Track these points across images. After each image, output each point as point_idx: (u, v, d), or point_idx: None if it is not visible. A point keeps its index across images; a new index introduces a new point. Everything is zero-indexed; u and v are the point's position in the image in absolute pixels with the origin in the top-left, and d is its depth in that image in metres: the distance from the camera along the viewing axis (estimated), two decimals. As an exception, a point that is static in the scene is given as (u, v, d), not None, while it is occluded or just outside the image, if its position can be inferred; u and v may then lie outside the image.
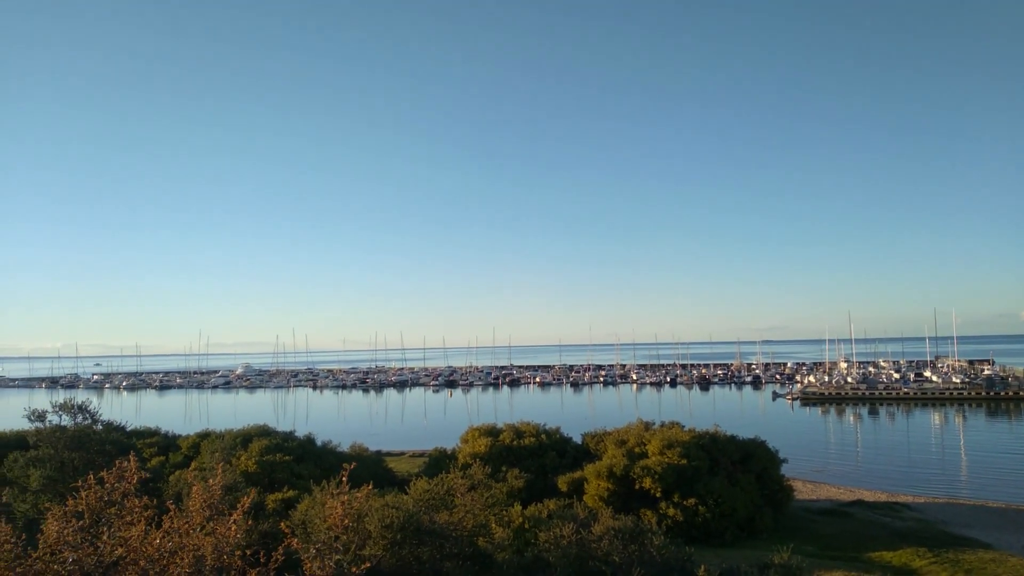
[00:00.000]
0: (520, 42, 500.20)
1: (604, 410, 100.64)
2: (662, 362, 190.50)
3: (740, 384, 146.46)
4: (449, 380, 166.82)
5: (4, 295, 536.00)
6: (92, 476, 6.70)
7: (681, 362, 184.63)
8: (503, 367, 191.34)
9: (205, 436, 42.57)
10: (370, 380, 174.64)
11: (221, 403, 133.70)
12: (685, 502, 28.63)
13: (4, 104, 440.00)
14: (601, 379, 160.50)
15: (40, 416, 24.19)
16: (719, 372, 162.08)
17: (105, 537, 5.24)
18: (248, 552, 5.90)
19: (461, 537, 10.91)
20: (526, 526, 17.97)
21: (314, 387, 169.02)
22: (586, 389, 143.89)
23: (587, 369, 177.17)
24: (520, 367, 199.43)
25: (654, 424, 36.39)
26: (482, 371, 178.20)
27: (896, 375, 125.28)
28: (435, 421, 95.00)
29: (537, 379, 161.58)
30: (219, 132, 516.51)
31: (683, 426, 34.98)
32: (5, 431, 48.98)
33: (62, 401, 24.77)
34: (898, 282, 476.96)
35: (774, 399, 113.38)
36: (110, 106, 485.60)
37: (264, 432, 38.11)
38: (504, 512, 15.89)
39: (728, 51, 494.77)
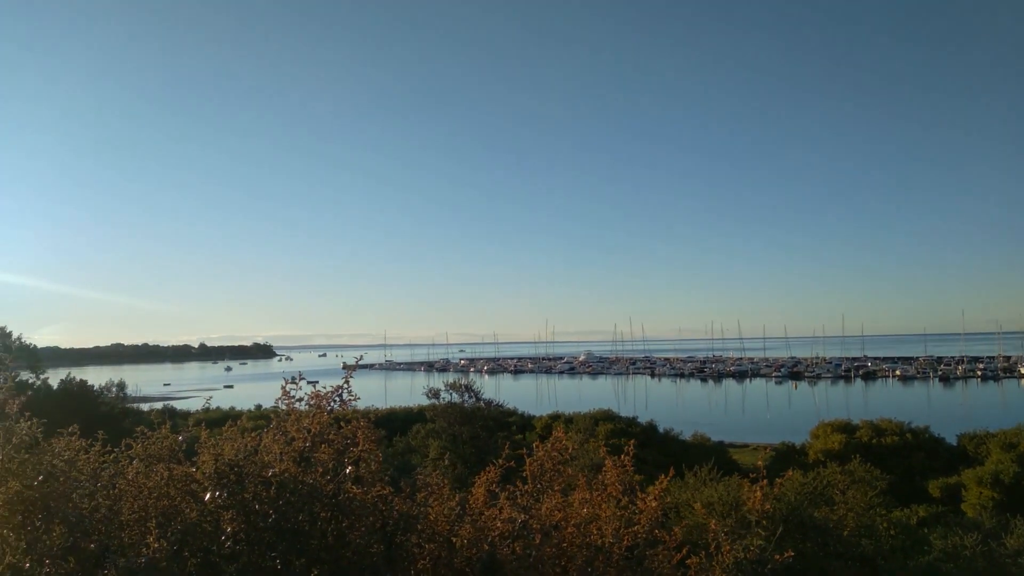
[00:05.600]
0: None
1: (983, 409, 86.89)
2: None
3: None
4: (793, 371, 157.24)
5: (393, 297, 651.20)
6: (508, 446, 7.88)
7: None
8: (855, 358, 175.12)
9: (556, 417, 46.62)
10: (708, 369, 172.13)
11: (567, 387, 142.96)
12: (1106, 523, 23.94)
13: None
14: (979, 373, 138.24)
15: (435, 394, 28.58)
16: None
17: (542, 503, 6.20)
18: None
19: (845, 536, 10.52)
20: (892, 532, 16.62)
21: (651, 375, 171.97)
22: (959, 384, 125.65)
23: (960, 362, 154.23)
24: (875, 359, 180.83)
25: (1055, 425, 30.97)
26: (830, 362, 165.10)
27: None
28: (779, 414, 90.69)
29: (897, 372, 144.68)
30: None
31: (1098, 429, 29.24)
32: (398, 407, 59.23)
33: (451, 381, 28.91)
34: None
35: None
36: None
37: (609, 416, 40.45)
38: (865, 515, 14.99)
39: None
